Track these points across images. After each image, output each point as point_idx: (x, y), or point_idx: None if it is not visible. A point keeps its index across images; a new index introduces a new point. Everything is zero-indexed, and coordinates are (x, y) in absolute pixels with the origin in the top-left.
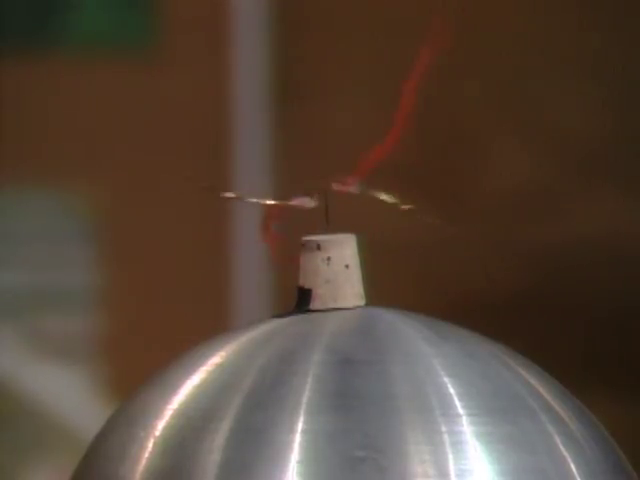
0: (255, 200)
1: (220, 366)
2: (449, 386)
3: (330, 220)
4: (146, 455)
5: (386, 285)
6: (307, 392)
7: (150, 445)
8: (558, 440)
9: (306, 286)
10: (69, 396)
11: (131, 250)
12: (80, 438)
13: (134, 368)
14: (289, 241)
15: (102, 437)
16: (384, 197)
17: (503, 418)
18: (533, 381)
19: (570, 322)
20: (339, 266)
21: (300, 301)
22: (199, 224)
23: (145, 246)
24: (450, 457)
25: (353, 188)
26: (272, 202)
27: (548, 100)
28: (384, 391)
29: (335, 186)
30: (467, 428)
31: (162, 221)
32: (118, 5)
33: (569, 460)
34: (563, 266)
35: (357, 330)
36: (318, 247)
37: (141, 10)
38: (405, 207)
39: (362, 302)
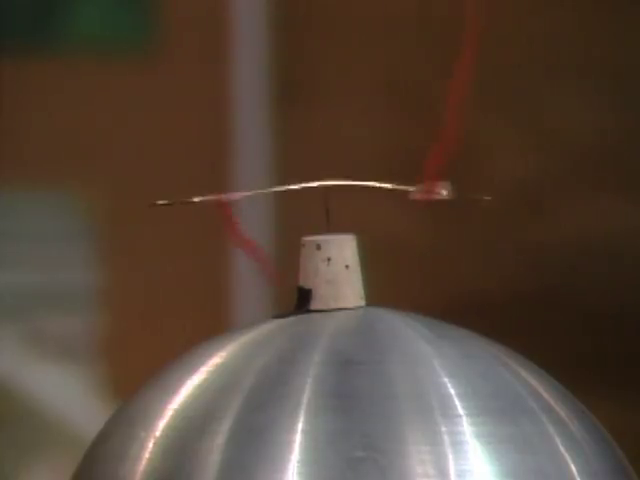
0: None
1: (220, 366)
2: (449, 386)
3: (330, 220)
4: (146, 455)
5: (386, 285)
6: (307, 392)
7: (150, 445)
8: (558, 440)
9: (306, 286)
10: (69, 396)
11: (131, 250)
12: (80, 438)
13: (134, 368)
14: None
15: (103, 437)
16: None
17: (503, 418)
18: (533, 381)
19: (570, 322)
20: (339, 266)
21: (300, 301)
22: (199, 224)
23: (145, 246)
24: (450, 457)
25: (443, 194)
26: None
27: (548, 100)
28: (384, 391)
29: (419, 195)
30: (467, 428)
31: (162, 221)
32: (118, 5)
33: (569, 460)
34: (563, 266)
35: (357, 330)
36: (318, 247)
37: (140, 10)
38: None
39: (362, 302)
